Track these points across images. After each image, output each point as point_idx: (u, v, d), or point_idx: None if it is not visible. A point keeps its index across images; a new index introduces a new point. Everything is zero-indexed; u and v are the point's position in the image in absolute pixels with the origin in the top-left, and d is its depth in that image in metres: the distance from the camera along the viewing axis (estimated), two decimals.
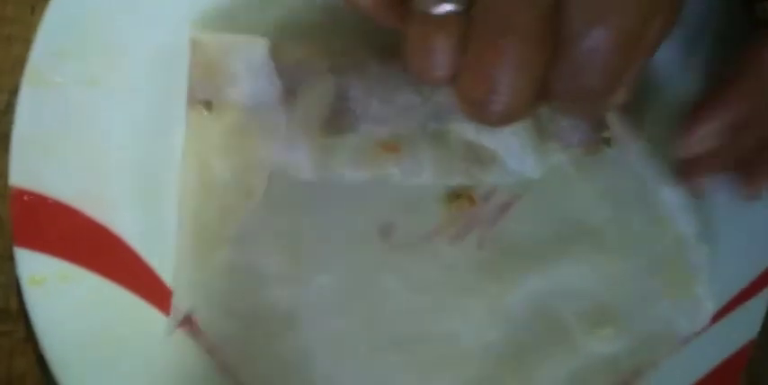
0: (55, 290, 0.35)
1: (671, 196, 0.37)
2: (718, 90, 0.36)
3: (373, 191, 0.37)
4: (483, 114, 0.28)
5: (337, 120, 0.36)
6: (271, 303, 0.37)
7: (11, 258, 0.35)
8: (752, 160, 0.37)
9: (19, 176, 0.35)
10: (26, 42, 0.35)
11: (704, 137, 0.36)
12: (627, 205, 0.38)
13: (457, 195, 0.39)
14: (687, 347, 0.39)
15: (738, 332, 0.39)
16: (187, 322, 0.36)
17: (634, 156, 0.37)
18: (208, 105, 0.35)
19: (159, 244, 0.36)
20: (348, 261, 0.38)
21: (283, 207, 0.37)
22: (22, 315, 0.36)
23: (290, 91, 0.35)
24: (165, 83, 0.36)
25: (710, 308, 0.38)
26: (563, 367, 0.38)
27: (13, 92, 0.35)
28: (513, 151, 0.37)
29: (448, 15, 0.27)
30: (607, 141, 0.38)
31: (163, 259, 0.36)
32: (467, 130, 0.37)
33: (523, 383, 0.38)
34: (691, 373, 0.39)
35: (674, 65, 0.39)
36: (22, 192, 0.35)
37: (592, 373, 0.38)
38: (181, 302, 0.35)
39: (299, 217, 0.37)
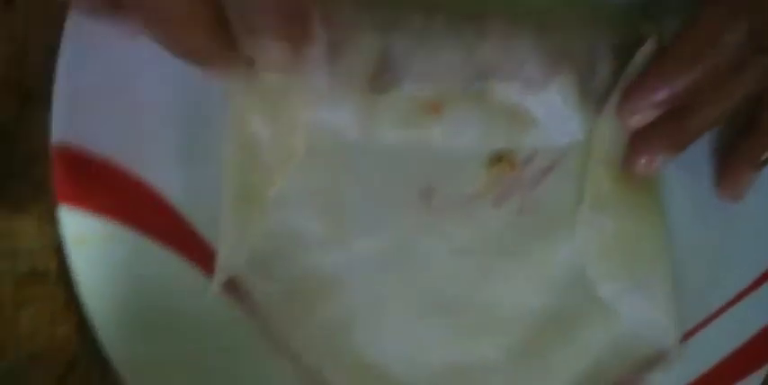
0: (99, 249, 0.34)
1: None
2: (657, 59, 0.36)
3: (415, 153, 0.37)
4: None
5: (381, 79, 0.36)
6: (313, 266, 0.37)
7: (50, 221, 0.35)
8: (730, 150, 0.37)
9: (61, 134, 0.34)
10: None
11: (642, 106, 0.36)
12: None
13: (498, 159, 0.38)
14: (725, 315, 0.39)
15: None
16: (230, 284, 0.36)
17: None
18: (250, 61, 0.35)
19: (203, 203, 0.35)
20: (390, 224, 0.37)
21: (325, 169, 0.37)
22: (62, 279, 0.35)
23: (334, 48, 0.35)
24: None
25: None
26: (604, 333, 0.38)
27: (51, 48, 0.35)
28: (556, 113, 0.37)
29: None
30: None
31: (207, 219, 0.35)
32: (510, 91, 0.36)
33: (565, 349, 0.38)
34: (728, 342, 0.39)
35: None
36: (64, 150, 0.34)
37: (633, 339, 0.38)
38: (225, 263, 0.35)
39: (340, 179, 0.37)
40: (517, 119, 0.37)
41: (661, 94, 0.35)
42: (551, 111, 0.36)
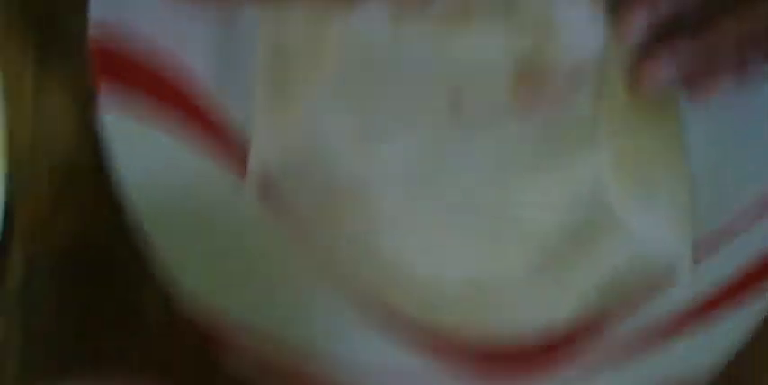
0: (133, 137, 0.35)
1: None
2: None
3: (444, 64, 0.37)
4: None
5: None
6: (342, 174, 0.38)
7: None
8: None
9: (99, 13, 0.35)
10: None
11: (638, 24, 0.36)
12: None
13: (527, 72, 0.39)
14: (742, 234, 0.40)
15: None
16: (263, 186, 0.37)
17: None
18: None
19: (237, 100, 0.36)
20: (418, 133, 0.38)
21: (355, 75, 0.37)
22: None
23: None
24: None
25: None
26: (621, 249, 0.39)
27: None
28: (584, 24, 0.37)
29: None
30: None
31: (241, 118, 0.36)
32: (539, 1, 0.37)
33: (581, 264, 0.39)
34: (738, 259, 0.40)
35: None
36: (102, 30, 0.35)
37: (648, 256, 0.39)
38: (258, 162, 0.36)
39: (370, 86, 0.38)
40: (545, 29, 0.37)
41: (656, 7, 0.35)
42: (579, 21, 0.37)
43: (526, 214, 0.39)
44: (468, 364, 0.38)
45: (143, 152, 0.36)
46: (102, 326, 0.37)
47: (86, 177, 0.37)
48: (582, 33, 0.37)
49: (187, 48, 0.36)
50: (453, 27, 0.37)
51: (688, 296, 0.39)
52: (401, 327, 0.38)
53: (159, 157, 0.36)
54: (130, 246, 0.36)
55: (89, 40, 0.35)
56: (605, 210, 0.38)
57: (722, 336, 0.39)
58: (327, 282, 0.38)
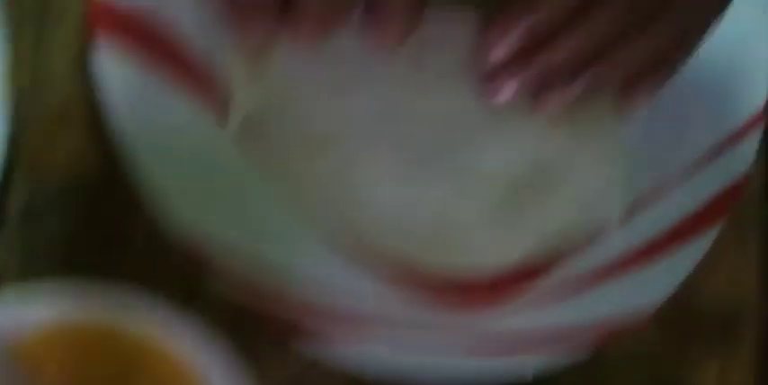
0: (125, 81, 0.38)
1: None
2: None
3: None
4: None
5: None
6: (312, 122, 0.40)
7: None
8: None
9: None
10: None
11: (499, 40, 0.37)
12: None
13: (488, 23, 0.39)
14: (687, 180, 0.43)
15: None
16: (242, 130, 0.39)
17: None
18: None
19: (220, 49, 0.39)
20: (387, 81, 0.40)
21: None
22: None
23: None
24: None
25: None
26: (567, 200, 0.41)
27: None
28: None
29: None
30: None
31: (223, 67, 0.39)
32: None
33: (535, 212, 0.41)
34: (689, 204, 0.43)
35: None
36: None
37: (591, 207, 0.42)
38: (237, 112, 0.38)
39: (340, 43, 0.39)
40: None
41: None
42: None
43: (485, 164, 0.41)
44: (422, 293, 0.41)
45: (134, 94, 0.38)
46: (90, 255, 0.40)
47: (81, 118, 0.40)
48: None
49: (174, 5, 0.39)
50: None
51: (624, 244, 0.42)
52: (365, 255, 0.40)
53: (149, 100, 0.38)
54: (122, 181, 0.39)
55: None
56: (552, 165, 0.41)
57: (660, 278, 0.42)
58: (300, 214, 0.40)
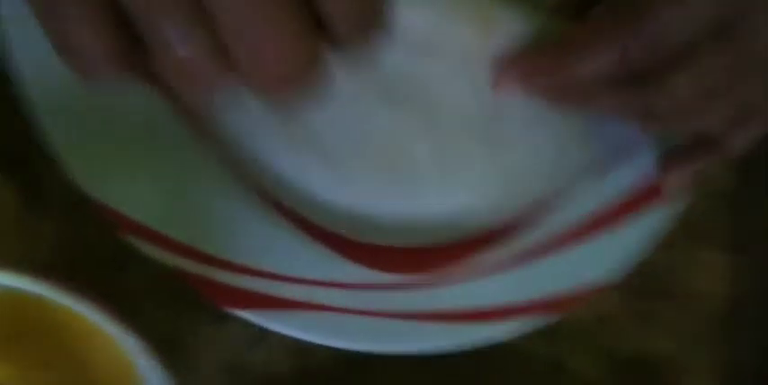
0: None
1: None
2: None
3: None
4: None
5: None
6: None
7: None
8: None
9: None
10: None
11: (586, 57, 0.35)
12: None
13: None
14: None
15: None
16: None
17: None
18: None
19: None
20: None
21: None
22: None
23: None
24: None
25: None
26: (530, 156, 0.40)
27: None
28: None
29: None
30: None
31: None
32: None
33: (490, 161, 0.40)
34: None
35: None
36: None
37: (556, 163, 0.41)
38: None
39: None
40: None
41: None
42: None
43: (447, 102, 0.39)
44: (368, 257, 0.40)
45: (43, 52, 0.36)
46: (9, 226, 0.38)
47: None
48: None
49: None
50: None
51: (580, 212, 0.42)
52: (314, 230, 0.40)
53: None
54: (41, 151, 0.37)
55: None
56: (509, 120, 0.39)
57: (623, 246, 0.42)
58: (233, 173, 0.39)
